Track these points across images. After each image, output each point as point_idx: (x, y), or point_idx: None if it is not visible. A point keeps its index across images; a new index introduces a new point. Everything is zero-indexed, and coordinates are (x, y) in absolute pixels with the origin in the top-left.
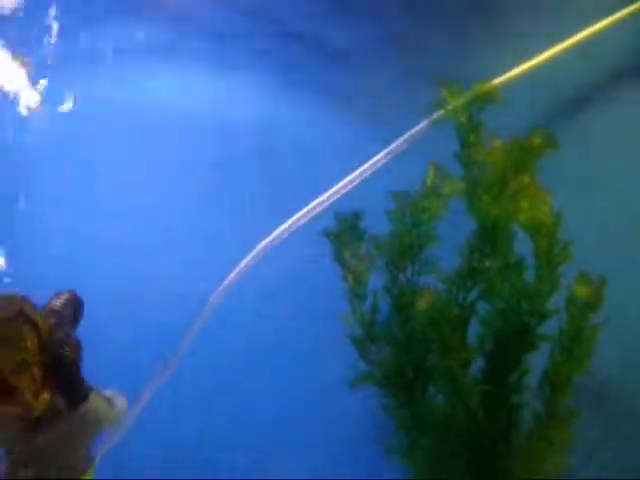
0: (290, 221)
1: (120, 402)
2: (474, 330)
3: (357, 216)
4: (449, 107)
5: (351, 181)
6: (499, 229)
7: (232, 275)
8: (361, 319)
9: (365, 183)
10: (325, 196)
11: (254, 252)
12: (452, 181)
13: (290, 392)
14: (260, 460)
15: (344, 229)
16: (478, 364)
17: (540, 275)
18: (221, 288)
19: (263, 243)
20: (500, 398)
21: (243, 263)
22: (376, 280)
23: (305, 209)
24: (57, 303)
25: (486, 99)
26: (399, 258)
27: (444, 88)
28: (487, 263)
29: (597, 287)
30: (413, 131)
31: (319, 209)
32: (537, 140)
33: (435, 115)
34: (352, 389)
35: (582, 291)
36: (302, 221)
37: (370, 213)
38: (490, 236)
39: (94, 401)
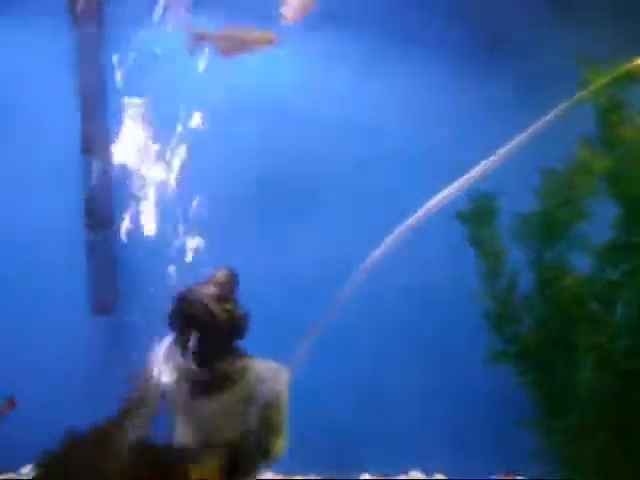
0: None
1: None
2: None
3: (491, 196)
4: (591, 87)
5: (494, 162)
6: None
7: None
8: (498, 297)
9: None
10: (467, 177)
11: (396, 233)
12: (602, 157)
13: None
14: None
15: (479, 209)
16: (624, 341)
17: None
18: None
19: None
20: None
21: (387, 242)
22: (512, 258)
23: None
24: (220, 276)
25: (630, 78)
26: (548, 235)
27: (586, 68)
28: (637, 239)
29: None
30: (558, 110)
31: (461, 189)
32: None
33: (578, 95)
34: (489, 366)
35: None
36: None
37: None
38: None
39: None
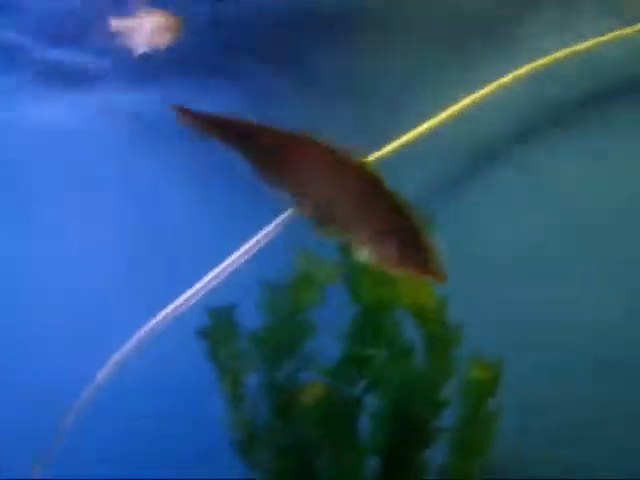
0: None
1: None
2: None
3: (230, 309)
4: None
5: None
6: (380, 313)
7: None
8: (241, 423)
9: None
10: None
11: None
12: (327, 267)
13: None
14: None
15: (217, 325)
16: (373, 464)
17: (430, 362)
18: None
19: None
20: None
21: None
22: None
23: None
24: None
25: None
26: (275, 353)
27: None
28: (370, 351)
29: (493, 370)
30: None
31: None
32: None
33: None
34: None
35: (476, 376)
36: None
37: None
38: (371, 321)
39: None
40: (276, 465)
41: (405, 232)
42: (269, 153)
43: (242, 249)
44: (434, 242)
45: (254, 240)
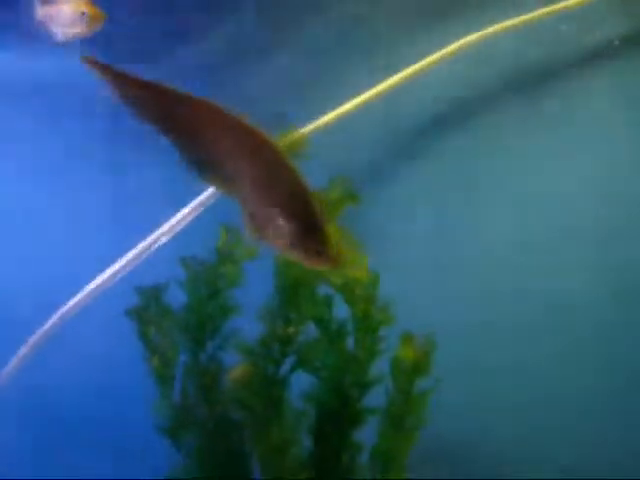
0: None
1: None
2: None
3: (159, 288)
4: None
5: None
6: (301, 291)
7: None
8: (169, 405)
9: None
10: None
11: None
12: (247, 244)
13: None
14: None
15: (147, 304)
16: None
17: (359, 341)
18: None
19: None
20: None
21: None
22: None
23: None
24: None
25: (294, 151)
26: (198, 332)
27: None
28: (291, 329)
29: (424, 348)
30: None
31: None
32: (336, 192)
33: None
34: None
35: (407, 354)
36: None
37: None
38: (292, 299)
39: None
40: (202, 447)
41: (302, 216)
42: (171, 113)
43: (162, 228)
44: (332, 228)
45: (175, 219)
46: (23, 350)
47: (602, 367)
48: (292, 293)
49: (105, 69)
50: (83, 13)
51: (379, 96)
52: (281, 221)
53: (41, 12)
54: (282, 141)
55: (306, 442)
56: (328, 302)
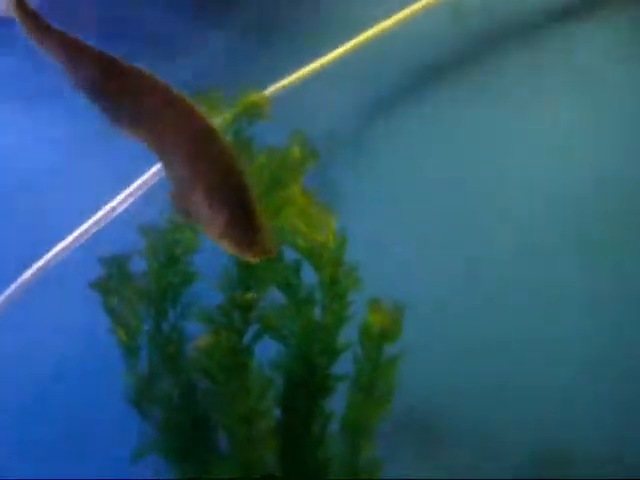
0: None
1: None
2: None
3: (123, 258)
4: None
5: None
6: None
7: None
8: (136, 377)
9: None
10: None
11: None
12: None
13: None
14: None
15: (110, 275)
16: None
17: (326, 307)
18: None
19: None
20: (303, 453)
21: None
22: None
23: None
24: None
25: (255, 112)
26: (158, 301)
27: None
28: (249, 296)
29: (393, 314)
30: None
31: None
32: (296, 152)
33: None
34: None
35: (375, 320)
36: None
37: None
38: (251, 264)
39: None
40: (168, 419)
41: (234, 202)
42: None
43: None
44: (263, 216)
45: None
46: None
47: None
48: None
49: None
50: None
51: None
52: (210, 206)
53: None
54: (244, 101)
55: (274, 412)
56: (296, 267)
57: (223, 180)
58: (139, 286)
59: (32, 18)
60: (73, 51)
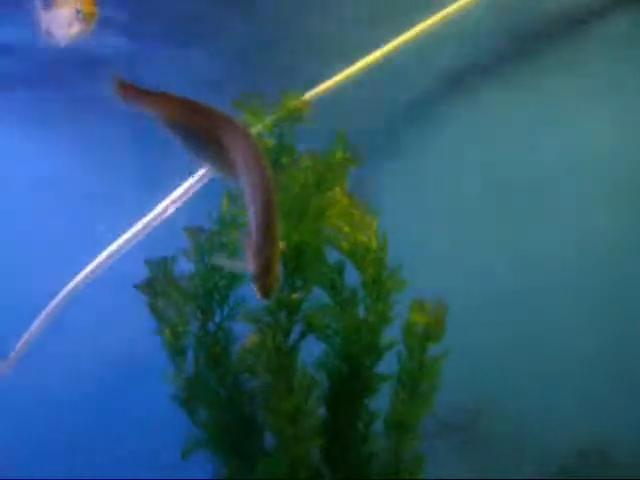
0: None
1: None
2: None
3: (168, 261)
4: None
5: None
6: (306, 256)
7: None
8: (183, 377)
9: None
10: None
11: None
12: None
13: None
14: None
15: (156, 277)
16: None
17: (369, 307)
18: None
19: None
20: (347, 451)
21: None
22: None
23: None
24: None
25: (297, 117)
26: (205, 303)
27: (244, 109)
28: (296, 296)
29: (436, 313)
30: None
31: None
32: (339, 155)
33: None
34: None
35: (419, 319)
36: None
37: None
38: (298, 265)
39: None
40: (214, 418)
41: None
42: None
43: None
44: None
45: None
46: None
47: None
48: (296, 259)
49: (139, 92)
50: (78, 11)
51: None
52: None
53: (43, 20)
54: (286, 105)
55: (319, 411)
56: (339, 268)
57: (263, 235)
58: (185, 288)
59: (134, 90)
60: (167, 104)
